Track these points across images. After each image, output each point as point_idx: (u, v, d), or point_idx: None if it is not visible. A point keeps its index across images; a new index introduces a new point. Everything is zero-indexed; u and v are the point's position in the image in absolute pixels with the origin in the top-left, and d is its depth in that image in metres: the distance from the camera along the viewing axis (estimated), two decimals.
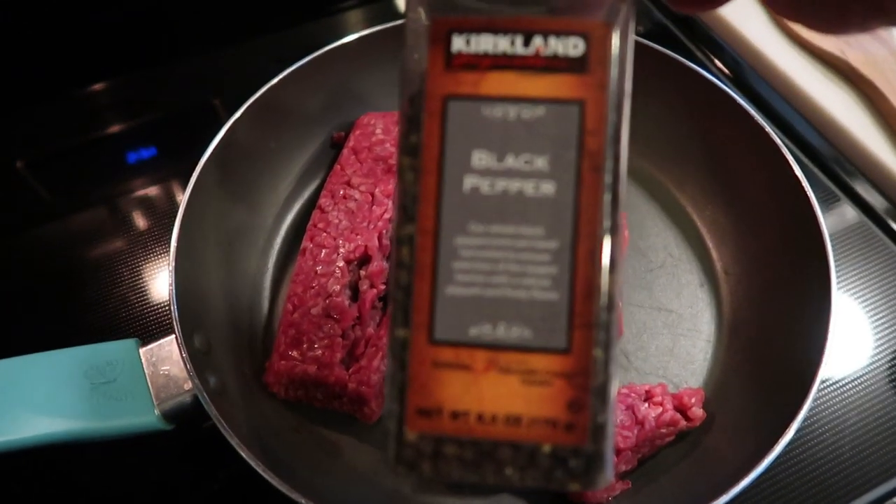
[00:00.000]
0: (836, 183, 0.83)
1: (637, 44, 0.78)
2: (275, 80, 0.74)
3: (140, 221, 0.83)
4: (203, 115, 0.95)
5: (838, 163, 0.84)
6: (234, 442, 0.52)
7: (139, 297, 0.76)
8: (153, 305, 0.76)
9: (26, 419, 0.54)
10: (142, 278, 0.78)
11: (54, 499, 0.65)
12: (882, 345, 0.71)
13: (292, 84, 0.75)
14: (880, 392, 0.69)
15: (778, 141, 0.68)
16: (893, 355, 0.71)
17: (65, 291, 0.77)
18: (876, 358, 0.71)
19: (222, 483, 0.65)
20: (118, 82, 0.98)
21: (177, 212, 0.63)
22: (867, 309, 0.74)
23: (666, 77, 0.77)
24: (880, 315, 0.73)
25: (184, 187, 0.83)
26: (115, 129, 0.94)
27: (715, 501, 0.52)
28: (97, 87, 0.97)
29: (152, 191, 0.86)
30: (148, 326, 0.74)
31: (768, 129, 0.69)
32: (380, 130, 0.76)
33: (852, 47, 0.89)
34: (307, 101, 0.79)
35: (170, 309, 0.58)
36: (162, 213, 0.84)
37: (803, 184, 0.66)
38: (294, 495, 0.51)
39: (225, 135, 0.69)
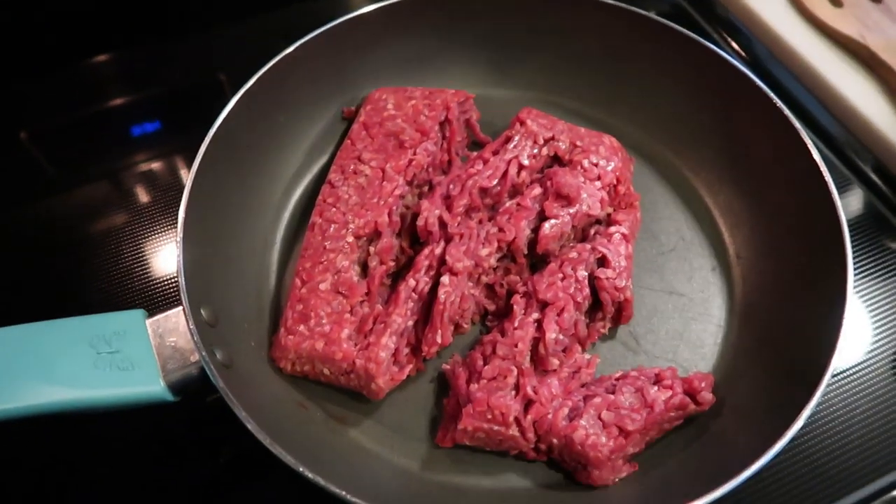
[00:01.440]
0: (852, 169, 0.82)
1: (656, 23, 0.77)
2: (286, 52, 0.73)
3: (144, 195, 0.83)
4: (208, 90, 0.94)
5: (854, 149, 0.83)
6: (240, 415, 0.52)
7: (145, 269, 0.76)
8: (159, 278, 0.75)
9: (30, 387, 0.53)
10: (148, 251, 0.77)
11: (59, 469, 0.64)
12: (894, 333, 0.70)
13: (303, 56, 0.74)
14: (890, 381, 0.68)
15: (798, 126, 0.67)
16: None
17: (70, 262, 0.77)
18: (888, 347, 0.70)
19: (227, 456, 0.64)
20: (123, 54, 0.97)
21: (181, 186, 0.62)
22: (881, 297, 0.73)
23: (685, 59, 0.76)
24: (894, 303, 0.72)
25: (188, 162, 0.82)
26: (119, 101, 0.93)
27: (722, 486, 0.51)
28: (102, 58, 0.96)
29: (156, 165, 0.85)
30: (154, 298, 0.73)
31: (788, 113, 0.68)
32: (391, 105, 0.75)
33: (872, 32, 0.87)
34: (318, 75, 0.77)
35: (177, 281, 0.58)
36: (166, 187, 0.83)
37: (822, 169, 0.64)
38: (300, 469, 0.50)
39: (234, 107, 0.68)
